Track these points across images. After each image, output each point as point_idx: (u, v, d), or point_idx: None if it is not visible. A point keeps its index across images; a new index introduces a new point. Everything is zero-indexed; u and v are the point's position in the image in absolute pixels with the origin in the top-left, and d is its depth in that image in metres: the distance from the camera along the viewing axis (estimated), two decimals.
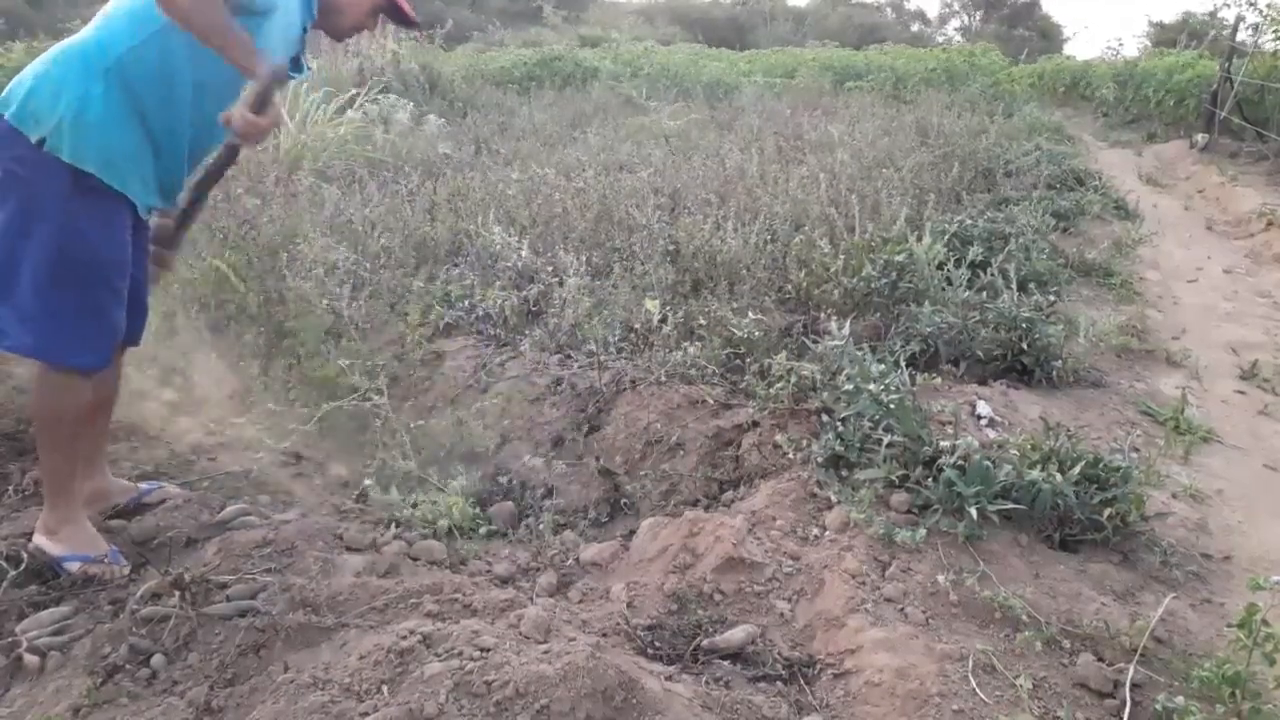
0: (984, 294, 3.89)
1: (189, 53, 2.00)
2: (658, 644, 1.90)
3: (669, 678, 1.74)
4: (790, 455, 2.62)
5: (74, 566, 2.10)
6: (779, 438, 2.70)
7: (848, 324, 2.88)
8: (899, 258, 4.00)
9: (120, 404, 3.46)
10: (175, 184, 2.22)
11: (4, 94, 1.98)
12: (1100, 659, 1.91)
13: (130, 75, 1.99)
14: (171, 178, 2.19)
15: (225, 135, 2.09)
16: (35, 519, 2.40)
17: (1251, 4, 11.23)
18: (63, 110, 1.92)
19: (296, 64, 2.28)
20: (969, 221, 4.94)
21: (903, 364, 2.88)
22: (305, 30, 2.24)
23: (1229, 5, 25.43)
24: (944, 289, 3.90)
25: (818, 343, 3.02)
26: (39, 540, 2.16)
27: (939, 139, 7.67)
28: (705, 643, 1.90)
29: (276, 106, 2.00)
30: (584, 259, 4.27)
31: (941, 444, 2.45)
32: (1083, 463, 2.41)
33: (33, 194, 1.95)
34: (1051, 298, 4.20)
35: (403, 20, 2.36)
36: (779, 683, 1.83)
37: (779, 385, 2.87)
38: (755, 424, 2.91)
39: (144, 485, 2.55)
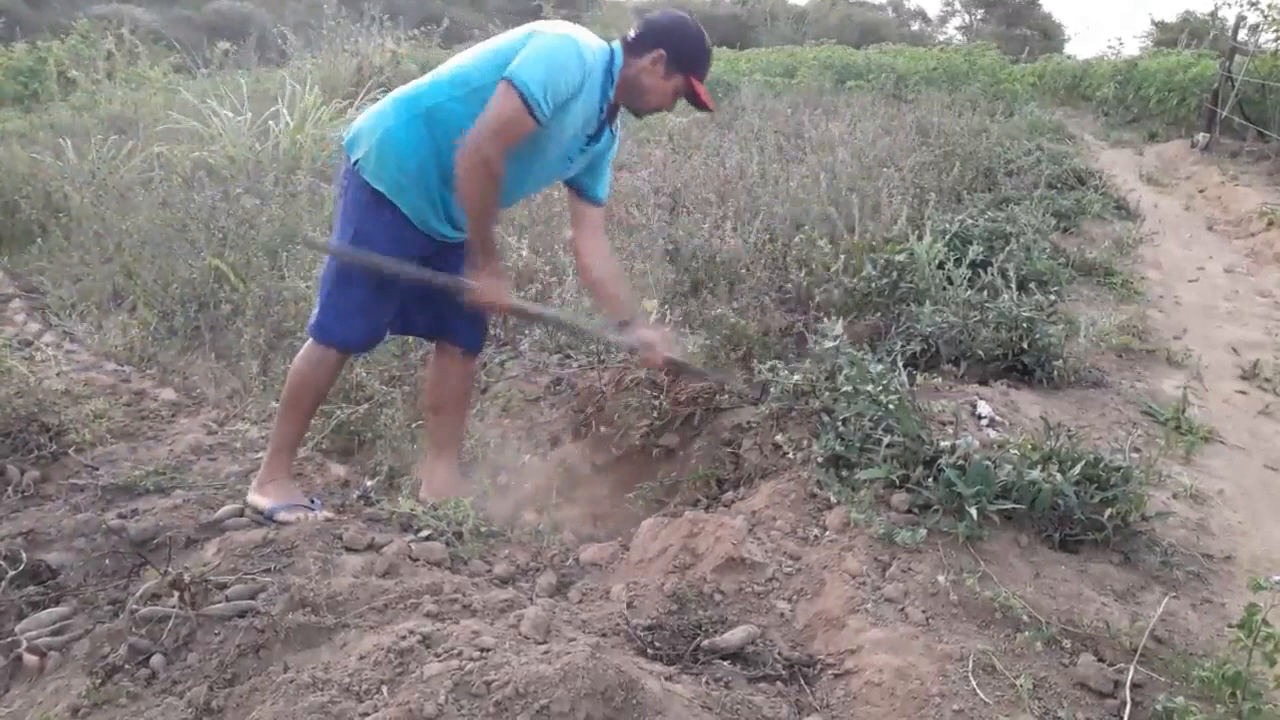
0: (984, 294, 3.88)
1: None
2: (658, 644, 1.90)
3: (669, 678, 1.74)
4: (790, 455, 2.62)
5: (283, 515, 2.33)
6: (779, 438, 2.70)
7: (840, 324, 2.86)
8: (899, 257, 3.99)
9: (120, 404, 3.47)
10: (462, 219, 2.48)
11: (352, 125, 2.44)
12: (1100, 659, 1.91)
13: (436, 121, 2.31)
14: (460, 214, 2.45)
15: (519, 192, 2.55)
16: (35, 519, 2.40)
17: (1252, 4, 11.22)
18: (374, 140, 2.33)
19: (597, 136, 2.46)
20: (969, 221, 4.93)
21: (899, 364, 2.87)
22: (604, 107, 2.42)
23: (1229, 5, 25.40)
24: (944, 289, 3.89)
25: (818, 343, 3.02)
26: (251, 498, 2.43)
27: (939, 138, 7.65)
28: (705, 643, 1.90)
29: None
30: None
31: (942, 444, 2.44)
32: (1083, 463, 2.40)
33: (348, 202, 2.42)
34: (1052, 297, 4.19)
35: (701, 106, 2.47)
36: (779, 683, 1.82)
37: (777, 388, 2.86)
38: (755, 424, 2.91)
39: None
